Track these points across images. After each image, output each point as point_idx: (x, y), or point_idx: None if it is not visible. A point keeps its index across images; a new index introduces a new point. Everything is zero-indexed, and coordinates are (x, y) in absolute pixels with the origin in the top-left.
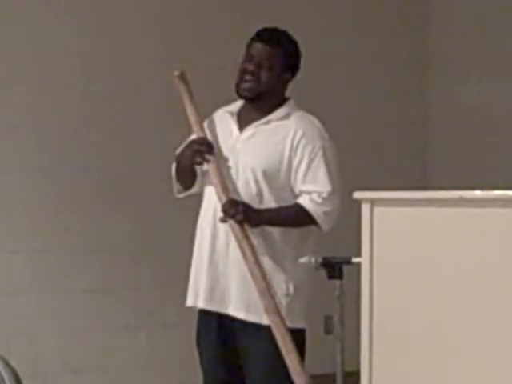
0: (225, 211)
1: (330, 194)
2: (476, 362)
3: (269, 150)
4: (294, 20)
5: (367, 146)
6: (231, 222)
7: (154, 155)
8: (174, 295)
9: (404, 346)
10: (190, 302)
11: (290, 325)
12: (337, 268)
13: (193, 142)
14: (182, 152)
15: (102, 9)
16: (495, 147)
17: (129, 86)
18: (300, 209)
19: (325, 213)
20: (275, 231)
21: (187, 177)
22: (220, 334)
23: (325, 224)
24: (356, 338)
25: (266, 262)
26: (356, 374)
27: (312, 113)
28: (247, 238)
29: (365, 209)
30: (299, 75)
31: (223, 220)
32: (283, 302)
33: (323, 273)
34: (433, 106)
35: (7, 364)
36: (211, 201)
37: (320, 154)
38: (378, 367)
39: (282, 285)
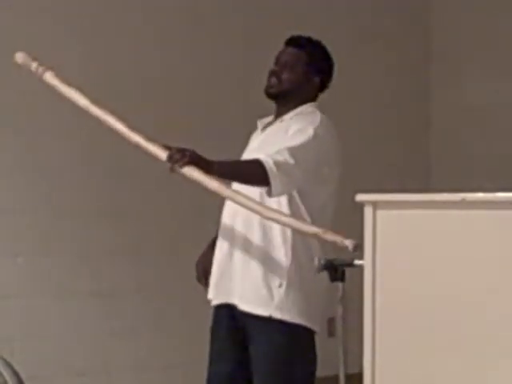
0: (170, 157)
1: (287, 149)
2: (479, 365)
3: (275, 142)
4: (293, 22)
5: (370, 148)
6: (186, 168)
7: (157, 158)
8: (176, 299)
9: (407, 349)
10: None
11: (281, 317)
12: (339, 270)
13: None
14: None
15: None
16: (499, 149)
17: (130, 88)
18: (254, 160)
19: (275, 162)
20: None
21: None
22: (230, 324)
23: (273, 176)
24: (358, 340)
25: (279, 251)
26: (359, 377)
27: None
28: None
29: (367, 211)
30: None
31: (172, 169)
32: (275, 293)
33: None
34: (436, 107)
35: (9, 366)
36: (227, 207)
37: (309, 133)
38: (380, 370)
39: (278, 276)
